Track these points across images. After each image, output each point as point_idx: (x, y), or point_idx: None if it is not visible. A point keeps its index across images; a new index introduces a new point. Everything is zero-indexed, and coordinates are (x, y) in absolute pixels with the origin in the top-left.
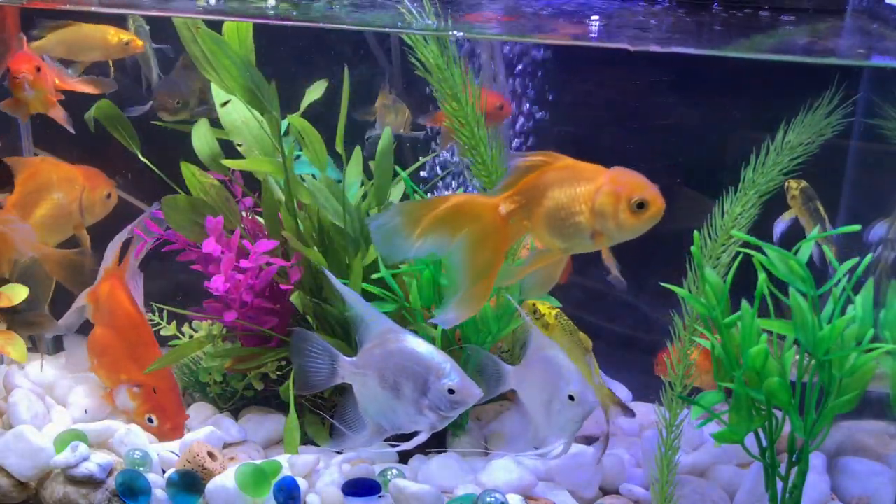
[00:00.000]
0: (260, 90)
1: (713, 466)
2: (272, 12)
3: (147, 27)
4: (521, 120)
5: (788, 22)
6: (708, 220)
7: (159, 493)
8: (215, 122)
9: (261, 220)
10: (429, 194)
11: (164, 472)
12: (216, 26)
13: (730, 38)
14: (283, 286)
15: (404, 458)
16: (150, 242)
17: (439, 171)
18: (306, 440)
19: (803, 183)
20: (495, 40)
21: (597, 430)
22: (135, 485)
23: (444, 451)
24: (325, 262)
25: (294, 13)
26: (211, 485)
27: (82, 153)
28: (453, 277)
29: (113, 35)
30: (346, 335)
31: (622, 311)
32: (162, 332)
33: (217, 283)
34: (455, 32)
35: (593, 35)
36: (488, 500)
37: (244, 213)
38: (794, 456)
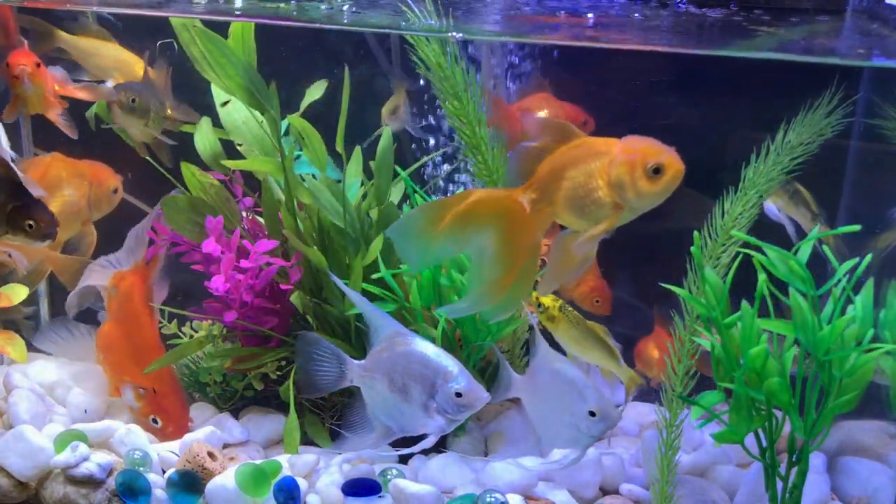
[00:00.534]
0: (259, 90)
1: (713, 466)
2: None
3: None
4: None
5: (788, 22)
6: (708, 221)
7: (159, 493)
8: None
9: (261, 220)
10: (432, 195)
11: (164, 472)
12: (215, 26)
13: (730, 38)
14: (283, 286)
15: (404, 458)
16: (164, 245)
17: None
18: (306, 440)
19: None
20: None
21: None
22: (135, 485)
23: (444, 451)
24: (325, 262)
25: (294, 13)
26: (211, 485)
27: (81, 153)
28: (479, 271)
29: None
30: (347, 335)
31: (622, 311)
32: (162, 332)
33: (217, 283)
34: (454, 33)
35: (593, 35)
36: (488, 500)
37: (244, 213)
38: (794, 456)
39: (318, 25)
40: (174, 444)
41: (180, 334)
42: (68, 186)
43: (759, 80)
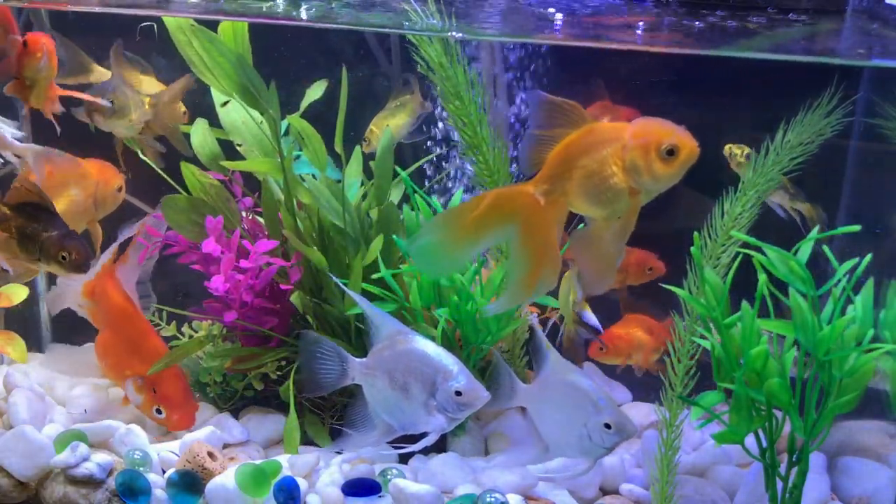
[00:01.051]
0: (258, 90)
1: (713, 466)
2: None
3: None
4: (519, 119)
5: (788, 22)
6: (708, 221)
7: (159, 493)
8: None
9: (261, 220)
10: (433, 195)
11: (164, 472)
12: (210, 27)
13: (730, 38)
14: (283, 286)
15: (404, 457)
16: (151, 248)
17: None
18: (306, 440)
19: (747, 150)
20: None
21: None
22: (135, 485)
23: (444, 451)
24: (325, 263)
25: (294, 13)
26: (211, 485)
27: (79, 153)
28: (511, 267)
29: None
30: (347, 335)
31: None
32: (162, 333)
33: (217, 283)
34: (454, 33)
35: (594, 35)
36: (488, 500)
37: (244, 213)
38: (794, 456)
39: (317, 25)
40: (174, 444)
41: (179, 336)
42: (75, 185)
43: (759, 81)
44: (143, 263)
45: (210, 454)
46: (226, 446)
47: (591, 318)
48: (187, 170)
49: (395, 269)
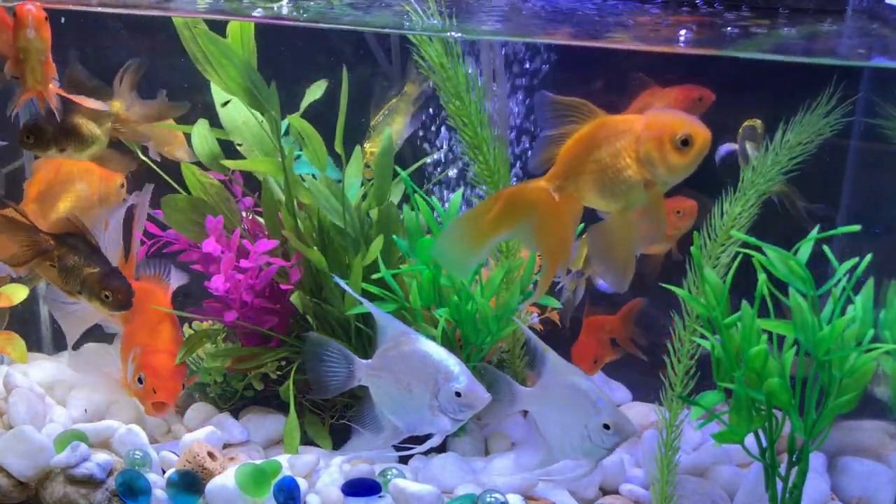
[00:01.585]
0: (259, 90)
1: (713, 466)
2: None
3: None
4: (519, 118)
5: (788, 22)
6: (708, 220)
7: (159, 493)
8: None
9: (261, 220)
10: (432, 195)
11: (164, 472)
12: (217, 26)
13: (730, 38)
14: (283, 286)
15: (404, 457)
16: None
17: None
18: (306, 440)
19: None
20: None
21: None
22: (135, 485)
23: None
24: (325, 263)
25: (294, 13)
26: (211, 485)
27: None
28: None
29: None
30: (347, 335)
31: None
32: None
33: (217, 283)
34: (454, 33)
35: (594, 35)
36: (488, 500)
37: (244, 213)
38: (794, 456)
39: (318, 25)
40: (174, 444)
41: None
42: (80, 182)
43: (759, 80)
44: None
45: (210, 454)
46: (226, 446)
47: (605, 284)
48: (187, 170)
49: (395, 269)
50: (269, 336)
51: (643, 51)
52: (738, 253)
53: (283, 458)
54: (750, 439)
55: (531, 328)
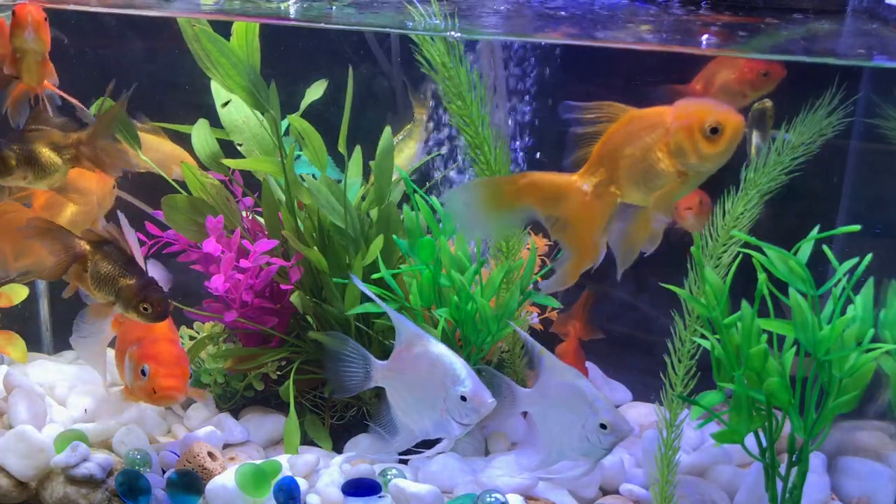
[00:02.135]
0: (260, 90)
1: (713, 466)
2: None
3: None
4: (519, 118)
5: (788, 22)
6: (709, 220)
7: (159, 493)
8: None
9: (261, 220)
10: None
11: (164, 472)
12: (222, 25)
13: (730, 37)
14: (283, 286)
15: (403, 457)
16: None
17: None
18: (306, 440)
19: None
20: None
21: None
22: (135, 485)
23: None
24: (325, 263)
25: (293, 14)
26: (211, 485)
27: None
28: (562, 248)
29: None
30: (347, 334)
31: (622, 311)
32: None
33: (217, 283)
34: (453, 32)
35: (593, 34)
36: (488, 500)
37: (244, 213)
38: (794, 456)
39: (317, 25)
40: (174, 444)
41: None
42: (82, 186)
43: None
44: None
45: (210, 454)
46: (226, 446)
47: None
48: (187, 170)
49: (395, 269)
50: (270, 336)
51: (642, 51)
52: (739, 252)
53: (283, 458)
54: (750, 439)
55: (531, 329)
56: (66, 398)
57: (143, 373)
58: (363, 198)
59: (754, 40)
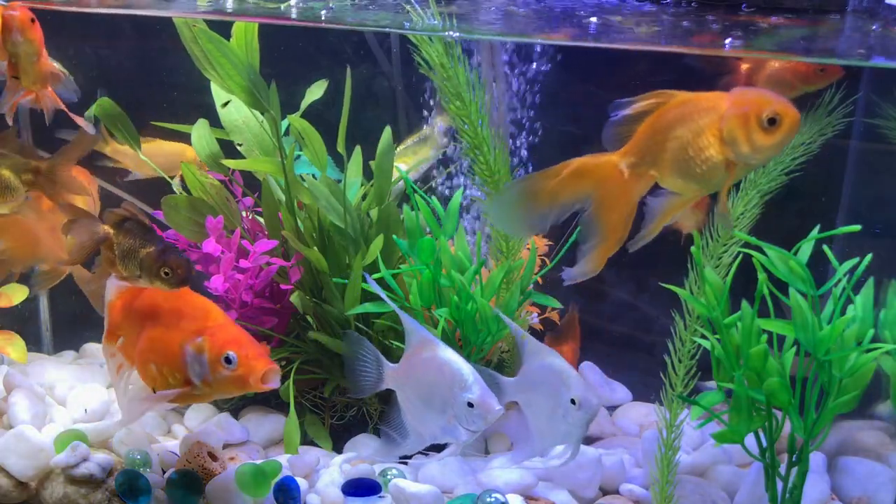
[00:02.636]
0: (260, 90)
1: (713, 466)
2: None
3: None
4: (520, 118)
5: (788, 22)
6: (710, 220)
7: (159, 493)
8: None
9: (261, 220)
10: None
11: (164, 472)
12: (220, 25)
13: (730, 38)
14: (283, 286)
15: (404, 457)
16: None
17: None
18: (306, 440)
19: None
20: (495, 43)
21: (596, 430)
22: (135, 485)
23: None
24: (325, 263)
25: (294, 14)
26: (211, 485)
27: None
28: (584, 233)
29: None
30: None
31: (622, 311)
32: None
33: (217, 283)
34: (452, 32)
35: (593, 34)
36: (488, 500)
37: (244, 213)
38: (794, 456)
39: (317, 25)
40: (174, 444)
41: None
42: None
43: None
44: None
45: (210, 454)
46: (226, 446)
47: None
48: (187, 170)
49: (395, 269)
50: (269, 336)
51: (643, 51)
52: (739, 252)
53: (283, 458)
54: (750, 439)
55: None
56: (66, 398)
57: (229, 361)
58: (363, 198)
59: (755, 40)
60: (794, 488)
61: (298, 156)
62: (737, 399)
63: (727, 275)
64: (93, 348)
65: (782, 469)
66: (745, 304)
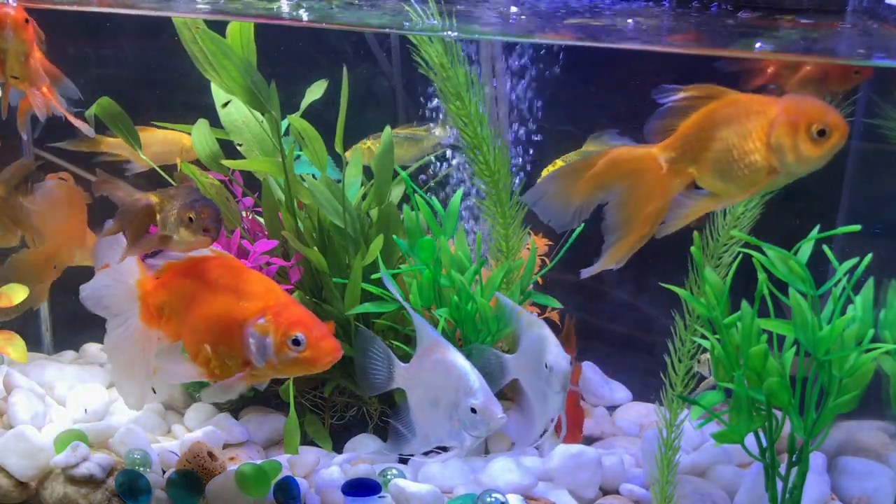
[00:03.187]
0: (260, 90)
1: (713, 466)
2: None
3: None
4: (520, 119)
5: (788, 22)
6: (710, 220)
7: (159, 493)
8: None
9: (261, 220)
10: (429, 194)
11: (164, 472)
12: (217, 25)
13: (730, 38)
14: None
15: (405, 457)
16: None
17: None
18: (306, 440)
19: None
20: (494, 44)
21: (596, 430)
22: (135, 485)
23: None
24: (325, 262)
25: (294, 14)
26: (211, 485)
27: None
28: (611, 224)
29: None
30: (347, 336)
31: (622, 311)
32: None
33: None
34: (450, 32)
35: (592, 34)
36: (488, 500)
37: (244, 213)
38: (794, 456)
39: (317, 25)
40: (174, 444)
41: None
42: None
43: (758, 80)
44: None
45: (210, 454)
46: (226, 446)
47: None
48: (187, 170)
49: (395, 268)
50: None
51: (635, 51)
52: (739, 252)
53: (283, 458)
54: (750, 439)
55: None
56: (65, 398)
57: (297, 343)
58: (363, 197)
59: (755, 40)
60: (794, 488)
61: (298, 156)
62: (737, 399)
63: (727, 275)
64: (93, 348)
65: (782, 469)
66: (745, 304)
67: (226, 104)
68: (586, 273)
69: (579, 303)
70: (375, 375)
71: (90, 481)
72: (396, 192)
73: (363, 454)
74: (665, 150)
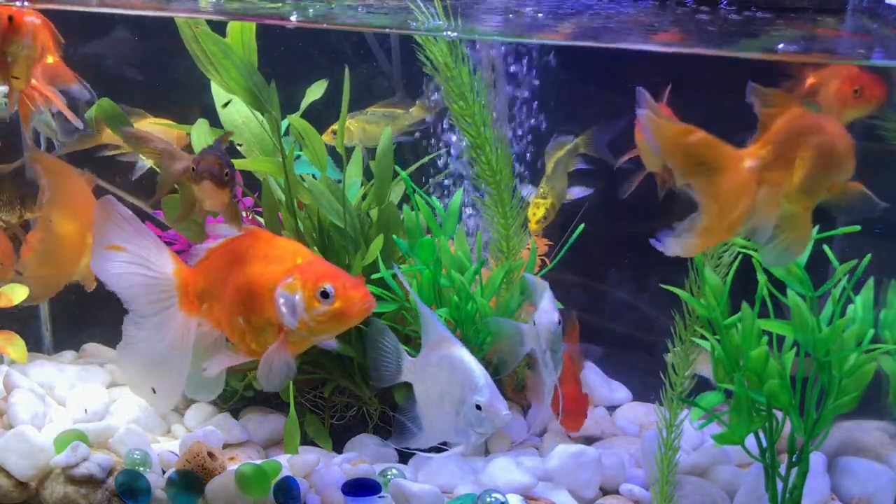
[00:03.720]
0: (260, 90)
1: (713, 466)
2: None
3: None
4: (519, 119)
5: (788, 22)
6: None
7: (159, 493)
8: None
9: (261, 220)
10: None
11: (164, 472)
12: (218, 25)
13: (730, 37)
14: None
15: (405, 457)
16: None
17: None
18: (306, 440)
19: None
20: (495, 46)
21: (596, 430)
22: (135, 485)
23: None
24: None
25: (294, 13)
26: (211, 485)
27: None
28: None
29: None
30: (347, 335)
31: (622, 311)
32: None
33: None
34: (449, 32)
35: (592, 35)
36: (488, 500)
37: (244, 214)
38: (794, 456)
39: (317, 25)
40: (174, 444)
41: None
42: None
43: (758, 80)
44: None
45: (210, 454)
46: (226, 446)
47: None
48: None
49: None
50: None
51: (640, 50)
52: (738, 253)
53: (283, 458)
54: (750, 439)
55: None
56: (65, 398)
57: (326, 295)
58: (363, 197)
59: (755, 40)
60: (794, 488)
61: (298, 156)
62: (737, 400)
63: (727, 275)
64: (93, 348)
65: (782, 469)
66: (745, 305)
67: (226, 104)
68: (661, 247)
69: (579, 303)
70: (385, 367)
71: (90, 481)
72: (396, 192)
73: (352, 454)
74: (753, 155)
